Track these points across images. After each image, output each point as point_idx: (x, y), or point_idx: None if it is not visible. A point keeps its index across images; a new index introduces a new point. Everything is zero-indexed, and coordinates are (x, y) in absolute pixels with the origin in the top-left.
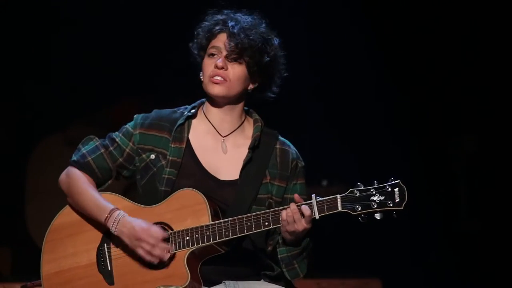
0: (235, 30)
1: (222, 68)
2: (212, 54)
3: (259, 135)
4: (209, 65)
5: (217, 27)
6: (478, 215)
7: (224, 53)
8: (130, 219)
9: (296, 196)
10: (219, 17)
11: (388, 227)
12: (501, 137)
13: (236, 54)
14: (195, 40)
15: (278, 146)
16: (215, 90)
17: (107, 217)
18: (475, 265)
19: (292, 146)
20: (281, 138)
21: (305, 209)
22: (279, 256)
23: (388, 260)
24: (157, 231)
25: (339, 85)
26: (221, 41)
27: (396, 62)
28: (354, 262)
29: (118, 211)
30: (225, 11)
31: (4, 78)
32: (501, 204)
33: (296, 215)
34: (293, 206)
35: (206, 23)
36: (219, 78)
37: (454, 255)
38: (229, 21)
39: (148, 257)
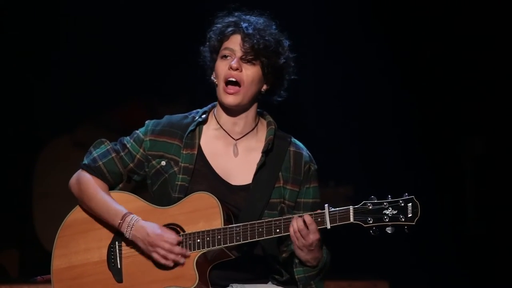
0: (250, 31)
1: (237, 69)
2: (226, 56)
3: (272, 139)
4: (222, 67)
5: (230, 29)
6: (486, 217)
7: (239, 54)
8: (144, 224)
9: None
10: (231, 19)
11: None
12: (509, 139)
13: (251, 55)
14: (207, 43)
15: (291, 149)
16: (228, 100)
17: (120, 222)
18: (482, 267)
19: (305, 149)
20: (294, 140)
21: (311, 221)
22: (296, 276)
23: (395, 262)
24: (171, 237)
25: (347, 84)
26: (234, 42)
27: (406, 63)
28: (362, 264)
29: (130, 216)
30: (236, 13)
31: (12, 79)
32: (509, 206)
33: (312, 226)
34: (308, 217)
35: (218, 25)
36: (233, 80)
37: (462, 257)
38: (241, 23)
39: (163, 261)
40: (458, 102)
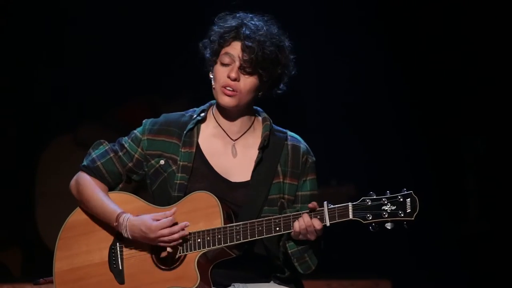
0: (250, 44)
1: (235, 79)
2: (226, 64)
3: (268, 134)
4: (222, 74)
5: (231, 34)
6: (488, 216)
7: (238, 64)
8: (135, 222)
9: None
10: (233, 22)
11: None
12: (511, 139)
13: (249, 68)
14: (208, 43)
15: (288, 142)
16: (225, 100)
17: (116, 225)
18: (484, 266)
19: (302, 141)
20: (290, 133)
21: (317, 223)
22: (289, 251)
23: (397, 261)
24: (163, 222)
25: (349, 83)
26: (235, 49)
27: (408, 63)
28: (364, 263)
29: (122, 216)
30: (238, 14)
31: (15, 78)
32: (510, 205)
33: (310, 228)
34: (306, 218)
35: (219, 27)
36: (230, 89)
37: (464, 256)
38: (243, 29)
39: (171, 245)
40: (460, 102)
